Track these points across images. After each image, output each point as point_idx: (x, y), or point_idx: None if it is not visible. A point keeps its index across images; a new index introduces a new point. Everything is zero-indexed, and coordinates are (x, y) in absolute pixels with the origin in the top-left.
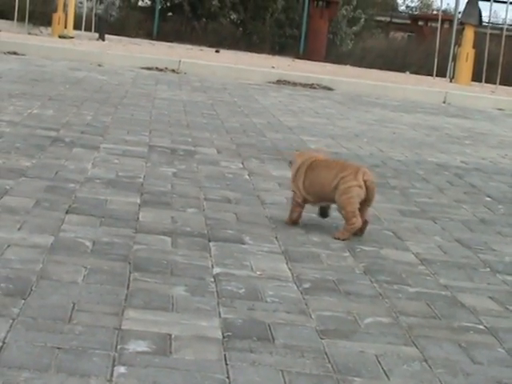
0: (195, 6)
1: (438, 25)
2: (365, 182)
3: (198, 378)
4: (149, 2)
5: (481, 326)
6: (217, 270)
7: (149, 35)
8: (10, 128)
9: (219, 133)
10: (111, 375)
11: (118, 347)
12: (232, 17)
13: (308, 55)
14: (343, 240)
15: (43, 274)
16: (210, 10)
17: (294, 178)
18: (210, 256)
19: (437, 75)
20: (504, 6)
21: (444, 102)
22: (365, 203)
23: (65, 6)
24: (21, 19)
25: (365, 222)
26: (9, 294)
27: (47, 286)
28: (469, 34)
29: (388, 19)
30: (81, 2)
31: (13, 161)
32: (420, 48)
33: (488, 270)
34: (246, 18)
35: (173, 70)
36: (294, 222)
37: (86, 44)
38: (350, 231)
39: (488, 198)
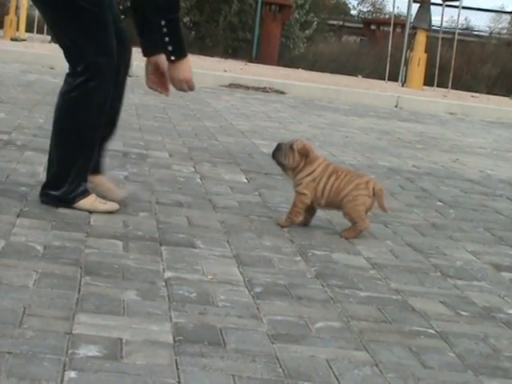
0: None
1: (391, 29)
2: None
3: (149, 382)
4: None
5: (431, 331)
6: (168, 274)
7: None
8: None
9: (171, 136)
10: (62, 380)
11: (69, 352)
12: (185, 20)
13: (261, 59)
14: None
15: None
16: None
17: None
18: (162, 260)
19: (389, 79)
20: (456, 10)
21: (396, 106)
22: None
23: (17, 8)
24: None
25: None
26: None
27: None
28: (421, 39)
29: (340, 23)
30: (32, 5)
31: None
32: (372, 52)
33: (439, 274)
34: (201, 20)
35: None
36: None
37: (38, 47)
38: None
39: (439, 203)
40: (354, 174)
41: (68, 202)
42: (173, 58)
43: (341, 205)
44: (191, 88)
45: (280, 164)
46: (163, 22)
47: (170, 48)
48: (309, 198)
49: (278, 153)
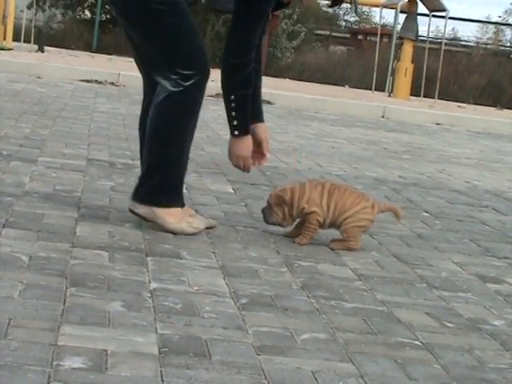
0: None
1: (377, 39)
2: None
3: None
4: (89, 15)
5: (417, 342)
6: (154, 285)
7: (88, 47)
8: None
9: None
10: None
11: (54, 363)
12: None
13: None
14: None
15: None
16: None
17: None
18: (148, 271)
19: (376, 89)
20: (443, 20)
21: (383, 117)
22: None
23: (4, 17)
24: None
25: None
26: None
27: None
28: (407, 49)
29: (328, 33)
30: (21, 11)
31: None
32: (359, 62)
33: (425, 285)
34: None
35: (112, 83)
36: None
37: (25, 56)
38: None
39: (425, 213)
40: (358, 195)
41: (157, 203)
42: (236, 132)
43: (342, 223)
44: (247, 169)
45: (274, 224)
46: (232, 97)
47: (234, 123)
48: (319, 213)
49: (266, 217)
